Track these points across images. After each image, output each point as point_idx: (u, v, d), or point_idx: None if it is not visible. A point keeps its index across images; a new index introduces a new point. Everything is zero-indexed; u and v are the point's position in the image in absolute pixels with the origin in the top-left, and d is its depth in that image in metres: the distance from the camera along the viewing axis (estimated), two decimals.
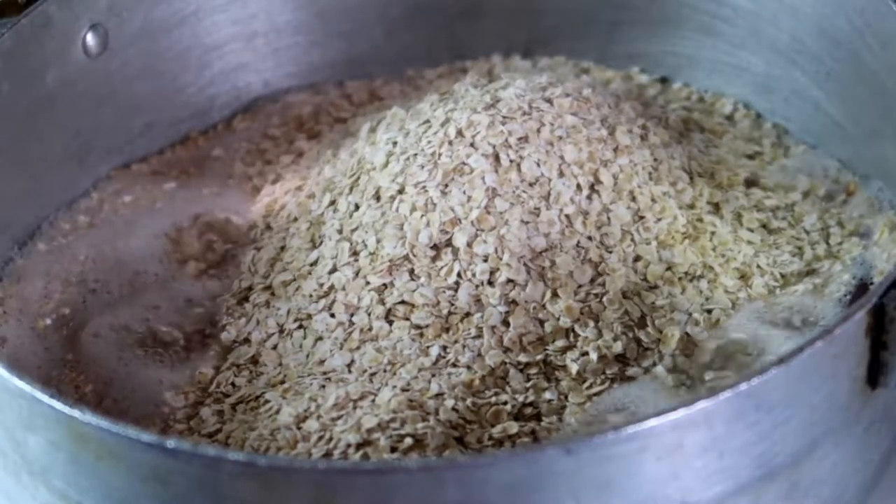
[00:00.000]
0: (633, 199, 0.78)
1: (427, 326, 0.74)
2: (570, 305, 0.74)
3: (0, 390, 0.61)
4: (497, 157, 0.77)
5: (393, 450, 0.66)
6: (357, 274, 0.76)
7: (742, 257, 0.77)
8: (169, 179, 0.90)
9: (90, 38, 0.86)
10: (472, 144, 0.77)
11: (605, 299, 0.74)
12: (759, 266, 0.77)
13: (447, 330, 0.74)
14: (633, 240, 0.77)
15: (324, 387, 0.72)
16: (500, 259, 0.74)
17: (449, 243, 0.75)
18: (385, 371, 0.73)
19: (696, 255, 0.77)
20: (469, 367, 0.72)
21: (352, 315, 0.75)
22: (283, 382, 0.74)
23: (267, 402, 0.72)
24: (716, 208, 0.80)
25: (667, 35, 0.93)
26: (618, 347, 0.73)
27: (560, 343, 0.73)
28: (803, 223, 0.80)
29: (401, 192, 0.78)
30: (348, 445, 0.66)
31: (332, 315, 0.76)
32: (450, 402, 0.69)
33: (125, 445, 0.57)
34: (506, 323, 0.74)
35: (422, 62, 0.98)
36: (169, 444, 0.56)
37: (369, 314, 0.75)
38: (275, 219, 0.84)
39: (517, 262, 0.75)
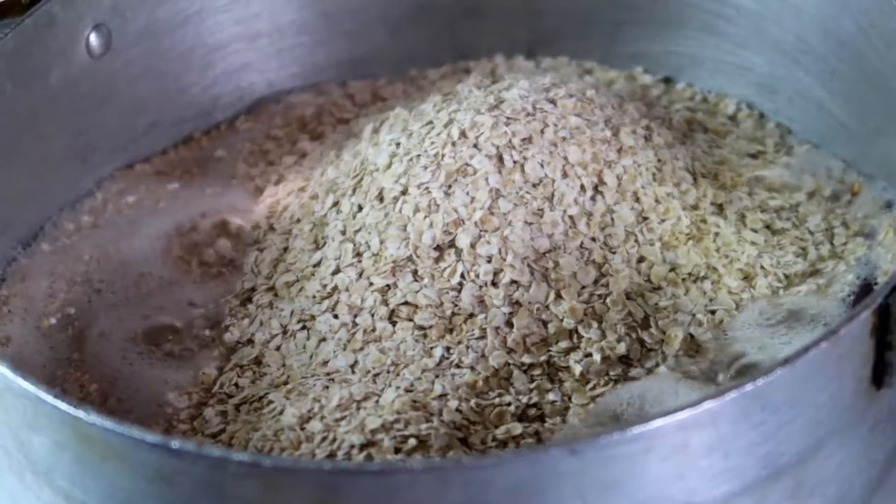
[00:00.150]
0: (637, 199, 0.78)
1: (430, 327, 0.74)
2: (573, 306, 0.74)
3: (5, 391, 0.61)
4: (500, 158, 0.77)
5: (396, 451, 0.66)
6: (360, 275, 0.76)
7: (746, 258, 0.77)
8: (172, 180, 0.90)
9: (93, 39, 0.86)
10: (475, 145, 0.77)
11: (608, 300, 0.74)
12: (762, 267, 0.77)
13: (451, 331, 0.74)
14: (636, 241, 0.77)
15: (327, 388, 0.72)
16: (504, 260, 0.74)
17: (452, 244, 0.75)
18: (388, 372, 0.73)
19: (700, 256, 0.77)
20: (473, 368, 0.72)
21: (355, 316, 0.75)
22: (286, 383, 0.74)
23: (270, 402, 0.72)
24: (719, 209, 0.80)
25: (670, 35, 0.93)
26: (621, 348, 0.73)
27: (563, 344, 0.73)
28: (807, 223, 0.80)
29: (404, 193, 0.78)
30: (352, 446, 0.66)
31: (336, 316, 0.76)
32: (453, 403, 0.69)
33: (130, 446, 0.57)
34: (509, 324, 0.74)
35: (425, 62, 0.98)
36: (174, 444, 0.56)
37: (373, 315, 0.75)
38: (278, 220, 0.84)
39: (521, 263, 0.74)
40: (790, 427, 0.59)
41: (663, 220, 0.78)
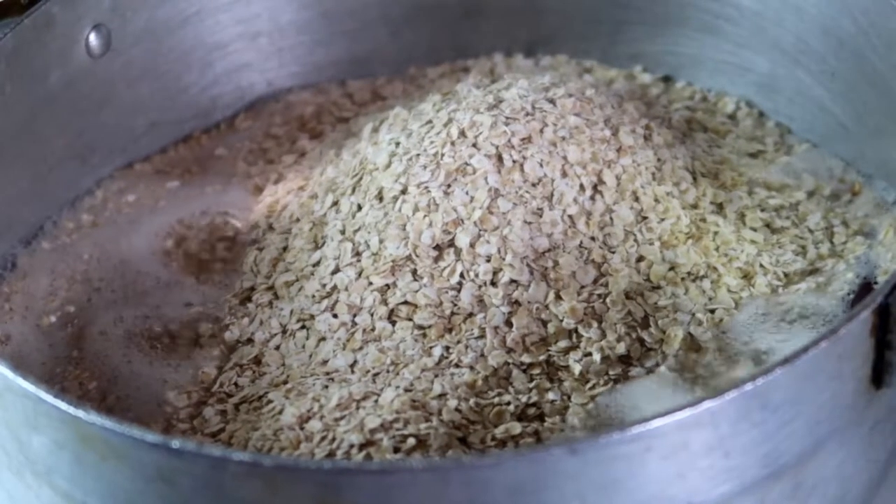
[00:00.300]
0: (637, 199, 0.78)
1: (430, 327, 0.74)
2: (573, 306, 0.74)
3: (4, 390, 0.61)
4: (500, 158, 0.77)
5: (396, 450, 0.66)
6: (360, 274, 0.76)
7: (745, 257, 0.77)
8: (172, 178, 0.90)
9: (93, 39, 0.86)
10: (474, 145, 0.77)
11: (608, 300, 0.74)
12: (762, 265, 0.77)
13: (450, 330, 0.74)
14: (636, 240, 0.77)
15: (327, 387, 0.72)
16: (503, 259, 0.74)
17: (452, 244, 0.75)
18: (388, 371, 0.73)
19: (700, 255, 0.77)
20: (472, 368, 0.72)
21: (354, 315, 0.75)
22: (286, 382, 0.74)
23: (270, 402, 0.72)
24: (719, 208, 0.80)
25: (670, 34, 0.93)
26: (621, 348, 0.73)
27: (563, 344, 0.73)
28: (807, 222, 0.80)
29: (403, 192, 0.78)
30: (351, 446, 0.66)
31: (335, 315, 0.76)
32: (453, 403, 0.69)
33: (130, 445, 0.57)
34: (509, 323, 0.74)
35: (424, 61, 0.98)
36: (174, 444, 0.56)
37: (372, 315, 0.75)
38: (277, 219, 0.84)
39: (520, 262, 0.74)
40: (790, 426, 0.59)
41: (663, 220, 0.78)
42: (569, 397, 0.71)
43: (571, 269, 0.75)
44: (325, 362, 0.74)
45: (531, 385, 0.71)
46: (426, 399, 0.70)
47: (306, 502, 0.56)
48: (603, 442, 0.56)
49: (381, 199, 0.78)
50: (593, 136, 0.79)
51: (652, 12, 0.93)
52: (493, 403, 0.70)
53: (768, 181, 0.83)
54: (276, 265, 0.81)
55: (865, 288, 0.75)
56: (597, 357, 0.72)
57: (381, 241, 0.76)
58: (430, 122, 0.81)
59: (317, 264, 0.79)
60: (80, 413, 0.58)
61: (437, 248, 0.76)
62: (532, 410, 0.70)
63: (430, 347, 0.73)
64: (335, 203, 0.81)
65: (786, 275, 0.77)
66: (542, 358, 0.73)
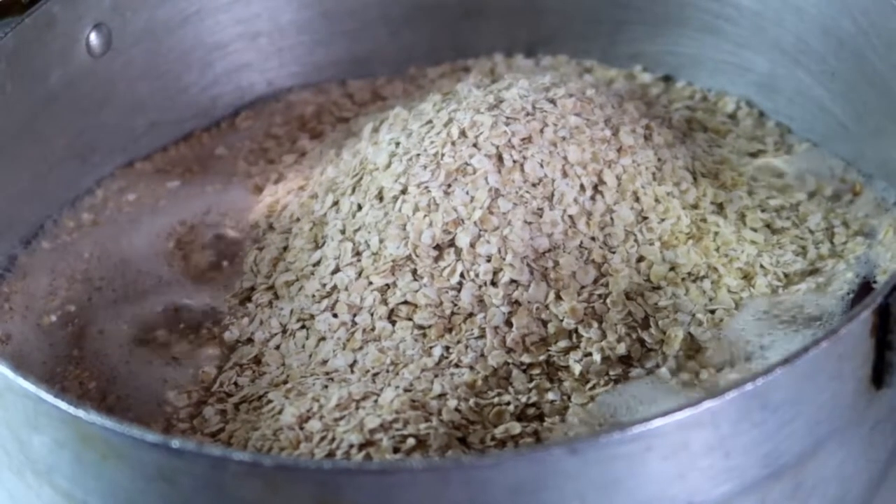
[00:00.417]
0: (637, 199, 0.78)
1: (430, 327, 0.74)
2: (573, 306, 0.74)
3: (5, 390, 0.61)
4: (500, 158, 0.77)
5: (395, 450, 0.66)
6: (360, 274, 0.76)
7: (745, 257, 0.77)
8: (172, 177, 0.90)
9: (94, 38, 0.86)
10: (475, 145, 0.77)
11: (608, 300, 0.74)
12: (762, 266, 0.77)
13: (450, 330, 0.74)
14: (636, 240, 0.77)
15: (326, 387, 0.72)
16: (503, 259, 0.74)
17: (452, 243, 0.75)
18: (388, 371, 0.73)
19: (700, 256, 0.77)
20: (472, 368, 0.72)
21: (354, 315, 0.75)
22: (285, 382, 0.74)
23: (270, 402, 0.72)
24: (719, 208, 0.80)
25: (670, 34, 0.93)
26: (621, 348, 0.73)
27: (563, 344, 0.73)
28: (807, 223, 0.80)
29: (404, 192, 0.78)
30: (351, 446, 0.66)
31: (335, 315, 0.76)
32: (452, 403, 0.69)
33: (130, 445, 0.57)
34: (509, 323, 0.74)
35: (425, 61, 0.98)
36: (174, 443, 0.56)
37: (372, 314, 0.75)
38: (277, 219, 0.84)
39: (520, 262, 0.74)
40: (790, 426, 0.59)
41: (663, 220, 0.78)
42: (569, 397, 0.71)
43: (572, 269, 0.75)
44: (324, 362, 0.74)
45: (531, 385, 0.71)
46: (426, 399, 0.69)
47: (306, 502, 0.56)
48: (603, 442, 0.56)
49: (381, 198, 0.78)
50: (594, 136, 0.79)
51: (652, 12, 0.93)
52: (492, 403, 0.70)
53: (768, 181, 0.83)
54: (277, 265, 0.81)
55: (865, 288, 0.75)
56: (597, 357, 0.72)
57: (381, 241, 0.76)
58: (430, 122, 0.81)
59: (317, 264, 0.79)
60: (81, 413, 0.58)
61: (438, 247, 0.75)
62: (532, 410, 0.70)
63: (430, 347, 0.73)
64: (335, 203, 0.81)
65: (786, 275, 0.77)
66: (542, 358, 0.73)
